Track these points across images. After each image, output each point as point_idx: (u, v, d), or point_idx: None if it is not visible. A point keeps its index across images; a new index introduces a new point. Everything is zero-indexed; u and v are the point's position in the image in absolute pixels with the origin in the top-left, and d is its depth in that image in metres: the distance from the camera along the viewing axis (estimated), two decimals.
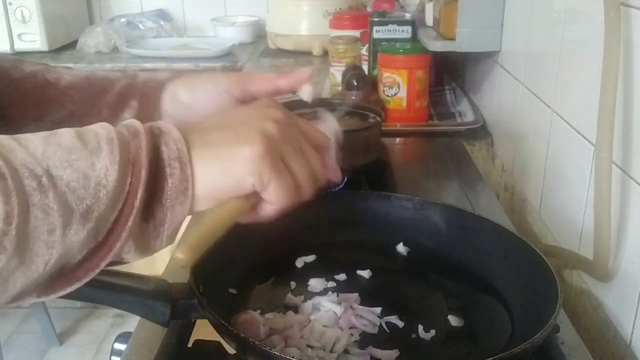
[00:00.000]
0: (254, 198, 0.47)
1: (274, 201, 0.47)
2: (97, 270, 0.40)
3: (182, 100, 0.63)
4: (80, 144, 0.38)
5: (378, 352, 0.56)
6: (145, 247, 0.42)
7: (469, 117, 1.35)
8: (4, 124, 0.63)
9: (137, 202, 0.40)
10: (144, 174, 0.40)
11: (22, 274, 0.36)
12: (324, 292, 0.65)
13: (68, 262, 0.38)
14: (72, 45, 2.45)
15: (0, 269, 0.34)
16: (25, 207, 0.34)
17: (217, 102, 0.61)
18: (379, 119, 1.01)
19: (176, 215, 0.43)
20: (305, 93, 0.63)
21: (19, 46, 2.30)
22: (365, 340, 0.58)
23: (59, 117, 0.63)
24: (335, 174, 0.53)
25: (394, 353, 0.56)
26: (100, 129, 0.41)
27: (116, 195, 0.39)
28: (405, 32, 1.40)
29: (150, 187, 0.41)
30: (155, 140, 0.42)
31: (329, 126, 0.58)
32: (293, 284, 0.66)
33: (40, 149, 0.37)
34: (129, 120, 0.44)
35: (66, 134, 0.39)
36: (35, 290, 0.38)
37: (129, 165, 0.40)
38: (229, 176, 0.44)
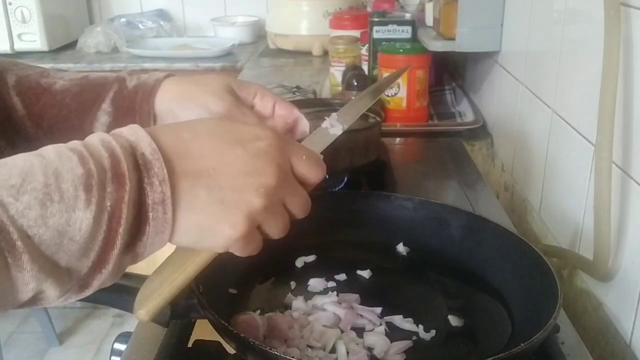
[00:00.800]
0: None
1: (239, 254, 0.48)
2: (75, 299, 0.41)
3: (189, 97, 0.64)
4: (56, 195, 0.37)
5: (378, 352, 0.56)
6: (120, 273, 0.43)
7: (469, 117, 1.35)
8: (6, 128, 0.63)
9: (116, 250, 0.39)
10: (122, 228, 0.39)
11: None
12: (324, 292, 0.65)
13: (44, 296, 0.39)
14: (72, 45, 2.45)
15: None
16: (4, 266, 0.35)
17: (221, 101, 0.63)
18: (379, 119, 1.01)
19: (155, 247, 0.43)
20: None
21: (19, 46, 2.30)
22: (365, 340, 0.58)
23: (55, 121, 0.63)
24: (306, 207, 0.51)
25: (395, 353, 0.56)
26: (79, 166, 0.38)
27: (90, 247, 0.39)
28: (405, 32, 1.40)
29: (131, 230, 0.40)
30: (139, 179, 0.41)
31: (329, 132, 0.59)
32: (293, 284, 0.66)
33: (14, 205, 0.36)
34: (111, 146, 0.41)
35: (42, 179, 0.37)
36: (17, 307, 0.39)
37: (105, 216, 0.39)
38: (204, 244, 0.45)
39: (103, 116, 0.63)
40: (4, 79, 0.65)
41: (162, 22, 2.57)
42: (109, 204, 0.39)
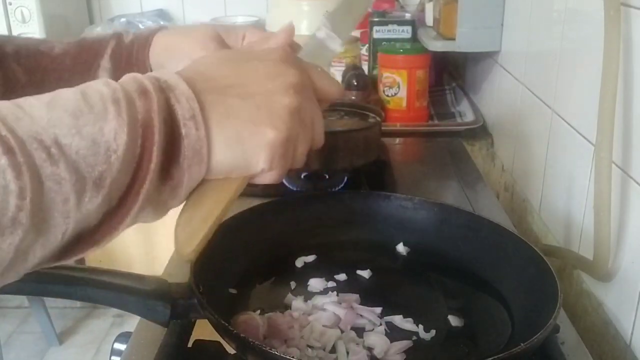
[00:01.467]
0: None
1: (269, 179, 0.46)
2: (116, 234, 0.39)
3: (174, 49, 0.63)
4: (86, 108, 0.37)
5: (378, 352, 0.56)
6: (163, 208, 0.41)
7: (469, 117, 1.35)
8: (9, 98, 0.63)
9: (153, 165, 0.38)
10: (157, 136, 0.38)
11: (41, 245, 0.35)
12: (324, 292, 0.65)
13: (85, 228, 0.37)
14: None
15: (18, 243, 0.33)
16: (38, 180, 0.33)
17: (207, 51, 0.61)
18: (379, 119, 1.01)
19: (193, 175, 0.42)
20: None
21: None
22: (365, 340, 0.58)
23: (57, 85, 0.63)
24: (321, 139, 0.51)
25: (395, 353, 0.56)
26: (104, 88, 0.39)
27: (128, 159, 0.38)
28: (405, 32, 1.40)
29: (166, 148, 0.39)
30: (166, 97, 0.40)
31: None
32: (293, 284, 0.66)
33: (45, 116, 0.35)
34: (132, 76, 0.41)
35: (70, 96, 0.37)
36: (54, 256, 0.37)
37: (139, 128, 0.38)
38: (245, 157, 0.44)
39: (103, 73, 0.63)
40: (2, 50, 0.64)
41: (162, 22, 2.56)
42: (139, 115, 0.38)
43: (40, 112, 0.35)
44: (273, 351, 0.48)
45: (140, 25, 2.52)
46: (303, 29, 2.16)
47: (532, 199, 1.01)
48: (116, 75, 0.62)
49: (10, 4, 2.25)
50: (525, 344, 0.49)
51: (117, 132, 0.37)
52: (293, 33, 0.57)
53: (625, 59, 0.65)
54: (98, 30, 2.37)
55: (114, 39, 0.65)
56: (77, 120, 0.36)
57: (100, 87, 0.39)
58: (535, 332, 0.50)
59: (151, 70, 0.63)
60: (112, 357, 0.65)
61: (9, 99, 0.62)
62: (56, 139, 0.35)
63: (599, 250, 0.68)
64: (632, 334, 0.66)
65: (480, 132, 1.29)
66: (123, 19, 2.53)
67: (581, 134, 0.79)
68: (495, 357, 0.48)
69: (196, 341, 0.59)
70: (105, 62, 0.63)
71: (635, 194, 0.65)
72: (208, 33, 0.62)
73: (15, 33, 2.28)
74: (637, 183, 0.64)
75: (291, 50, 0.51)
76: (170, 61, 0.62)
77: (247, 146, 0.43)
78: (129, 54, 0.63)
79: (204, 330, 0.58)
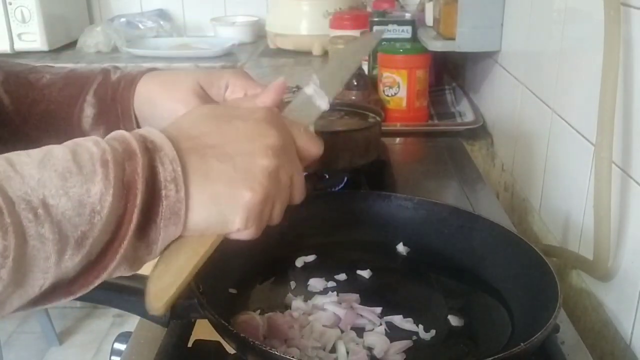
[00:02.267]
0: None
1: (245, 236, 0.48)
2: (91, 287, 0.41)
3: (155, 103, 0.63)
4: (75, 168, 0.38)
5: (378, 352, 0.56)
6: (137, 263, 0.43)
7: (469, 117, 1.35)
8: None
9: (132, 226, 0.40)
10: (139, 199, 0.40)
11: (18, 296, 0.37)
12: (324, 292, 0.65)
13: (63, 281, 0.39)
14: (72, 45, 2.45)
15: None
16: (22, 240, 0.35)
17: (189, 106, 0.60)
18: (378, 118, 1.01)
19: (169, 234, 0.43)
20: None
21: (19, 46, 2.30)
22: (365, 340, 0.58)
23: (42, 116, 0.63)
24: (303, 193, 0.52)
25: (395, 353, 0.56)
26: (94, 147, 0.40)
27: (110, 220, 0.39)
28: (405, 32, 1.40)
29: (145, 208, 0.41)
30: (150, 158, 0.42)
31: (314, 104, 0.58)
32: (293, 284, 0.66)
33: (35, 176, 0.37)
34: (121, 134, 0.43)
35: (60, 156, 0.39)
36: (29, 304, 0.39)
37: (124, 190, 0.40)
38: (221, 217, 0.45)
39: (88, 108, 0.63)
40: None
41: (162, 22, 2.57)
42: (125, 178, 0.40)
43: (31, 171, 0.37)
44: (273, 351, 0.48)
45: (140, 25, 2.52)
46: (303, 29, 2.16)
47: (532, 199, 1.01)
48: (101, 110, 0.63)
49: (10, 4, 2.25)
50: (525, 344, 0.49)
51: (102, 194, 0.38)
52: (283, 92, 0.57)
53: (625, 59, 0.65)
54: (98, 30, 2.38)
55: (101, 74, 0.65)
56: (66, 182, 0.37)
57: (90, 146, 0.40)
58: (535, 332, 0.50)
59: (135, 115, 0.63)
60: (112, 357, 0.65)
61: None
62: (44, 200, 0.36)
63: (599, 250, 0.68)
64: (632, 333, 0.66)
65: (480, 132, 1.29)
66: (123, 19, 2.53)
67: (581, 134, 0.79)
68: (495, 357, 0.48)
69: (196, 341, 0.59)
70: (91, 97, 0.63)
71: (635, 194, 0.65)
72: (190, 87, 0.62)
73: (15, 33, 2.28)
74: (637, 183, 0.64)
75: (276, 110, 0.51)
76: (152, 114, 0.62)
77: (223, 207, 0.45)
78: (114, 91, 0.63)
79: (204, 330, 0.58)
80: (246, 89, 0.63)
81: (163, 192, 0.41)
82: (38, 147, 0.62)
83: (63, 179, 0.37)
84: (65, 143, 0.40)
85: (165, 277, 0.45)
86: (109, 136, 0.43)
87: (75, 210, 0.37)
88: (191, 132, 0.46)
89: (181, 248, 0.46)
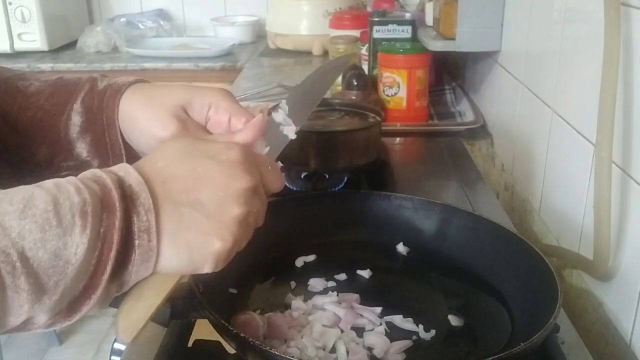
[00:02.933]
0: None
1: (214, 269, 0.48)
2: (65, 324, 0.43)
3: (134, 123, 0.62)
4: (55, 220, 0.39)
5: (378, 352, 0.56)
6: (107, 301, 0.44)
7: (469, 117, 1.35)
8: None
9: (106, 276, 0.42)
10: (113, 253, 0.41)
11: None
12: (324, 292, 0.65)
13: (34, 321, 0.41)
14: (72, 45, 2.45)
15: None
16: (1, 288, 0.37)
17: (166, 127, 0.61)
18: (378, 118, 1.01)
19: (140, 275, 0.45)
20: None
21: (19, 46, 2.30)
22: (365, 340, 0.58)
23: (30, 123, 0.63)
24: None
25: (395, 353, 0.56)
26: (75, 197, 0.41)
27: (83, 270, 0.41)
28: (405, 31, 1.40)
29: (118, 257, 0.42)
30: (127, 208, 0.43)
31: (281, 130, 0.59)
32: (293, 284, 0.66)
33: (16, 228, 0.38)
34: (101, 178, 0.43)
35: (42, 206, 0.39)
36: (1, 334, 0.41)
37: (99, 242, 0.41)
38: (191, 263, 0.46)
39: (75, 116, 0.63)
40: None
41: (162, 22, 2.57)
42: (102, 230, 0.41)
43: (12, 222, 0.38)
44: (273, 351, 0.48)
45: (140, 25, 2.52)
46: (303, 29, 2.16)
47: (532, 199, 1.01)
48: (87, 119, 0.63)
49: (10, 3, 2.25)
50: (525, 344, 0.49)
51: (78, 247, 0.40)
52: (263, 130, 0.56)
53: (625, 59, 0.65)
54: (98, 30, 2.38)
55: (88, 83, 0.65)
56: (45, 234, 0.39)
57: (72, 194, 0.41)
58: (535, 332, 0.50)
59: (119, 127, 0.63)
60: (112, 357, 0.65)
61: None
62: (22, 252, 0.38)
63: (599, 250, 0.68)
64: (632, 333, 0.66)
65: (480, 132, 1.29)
66: (123, 19, 2.53)
67: (581, 134, 0.79)
68: (495, 357, 0.48)
69: (196, 341, 0.59)
70: (78, 106, 0.63)
71: (635, 194, 0.65)
72: (169, 108, 0.61)
73: (15, 33, 2.28)
74: (637, 183, 0.64)
75: (249, 149, 0.52)
76: (132, 129, 0.62)
77: (194, 254, 0.46)
78: (100, 101, 0.63)
79: (203, 330, 0.58)
80: (230, 112, 0.61)
81: (136, 242, 0.43)
82: (25, 155, 0.62)
83: (42, 230, 0.39)
84: (48, 185, 0.41)
85: (134, 314, 0.46)
86: (89, 176, 0.44)
87: (50, 261, 0.39)
88: (165, 173, 0.46)
89: (149, 285, 0.47)
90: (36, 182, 0.42)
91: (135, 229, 0.43)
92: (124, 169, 0.45)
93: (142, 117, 0.62)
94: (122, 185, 0.44)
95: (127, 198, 0.43)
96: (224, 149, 0.49)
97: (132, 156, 0.63)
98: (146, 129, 0.61)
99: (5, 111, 0.63)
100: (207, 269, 0.47)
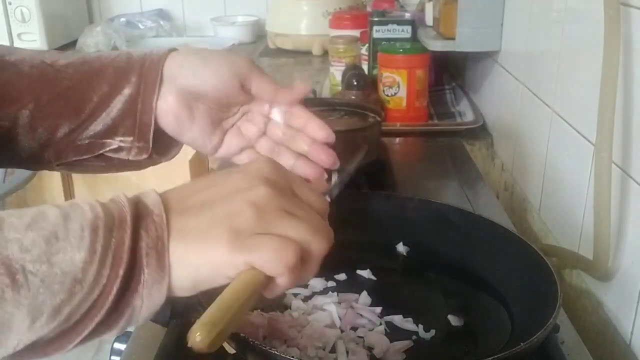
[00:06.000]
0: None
1: (273, 272, 0.42)
2: (66, 350, 0.40)
3: (193, 68, 0.60)
4: (62, 233, 0.37)
5: (378, 352, 0.56)
6: (123, 328, 0.41)
7: (469, 116, 1.35)
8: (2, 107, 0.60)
9: (112, 297, 0.39)
10: (121, 271, 0.39)
11: None
12: (324, 292, 0.65)
13: (37, 343, 0.38)
14: (71, 44, 2.45)
15: None
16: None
17: (224, 82, 0.59)
18: (378, 118, 1.01)
19: (154, 299, 0.41)
20: (278, 115, 0.61)
21: (19, 46, 2.30)
22: (365, 340, 0.58)
23: (56, 94, 0.60)
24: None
25: (395, 353, 0.56)
26: (88, 212, 0.39)
27: (91, 289, 0.38)
28: (405, 31, 1.40)
29: (126, 278, 0.39)
30: (137, 225, 0.40)
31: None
32: None
33: (21, 239, 0.36)
34: (118, 197, 0.41)
35: (51, 219, 0.38)
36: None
37: (108, 259, 0.39)
38: (207, 267, 0.42)
39: (106, 85, 0.60)
40: (5, 60, 0.61)
41: (162, 22, 2.57)
42: (112, 247, 0.39)
43: (16, 235, 0.36)
44: (273, 351, 0.48)
45: (140, 25, 2.52)
46: (303, 29, 2.16)
47: (532, 199, 1.01)
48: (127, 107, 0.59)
49: (10, 3, 2.25)
50: (525, 344, 0.49)
51: (86, 263, 0.37)
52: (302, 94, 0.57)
53: (625, 59, 0.65)
54: (98, 30, 2.38)
55: (122, 54, 0.63)
56: (51, 247, 0.37)
57: (85, 210, 0.39)
58: (535, 332, 0.50)
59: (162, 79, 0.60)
60: (112, 357, 0.65)
61: (6, 113, 0.59)
62: (24, 266, 0.36)
63: (599, 250, 0.68)
64: (632, 333, 0.66)
65: (480, 132, 1.29)
66: (123, 19, 2.53)
67: (581, 134, 0.79)
68: (495, 357, 0.48)
69: None
70: (111, 74, 0.60)
71: (635, 194, 0.65)
72: (232, 74, 0.60)
73: (15, 33, 2.28)
74: (637, 183, 0.64)
75: (281, 167, 0.47)
76: (188, 78, 0.60)
77: (201, 258, 0.42)
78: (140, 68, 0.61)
79: None
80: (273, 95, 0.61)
81: (144, 261, 0.40)
82: (52, 131, 0.58)
83: (48, 243, 0.37)
84: (62, 204, 0.39)
85: (220, 325, 0.41)
86: (109, 199, 0.42)
87: (56, 277, 0.36)
88: (188, 192, 0.44)
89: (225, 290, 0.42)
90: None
91: (143, 245, 0.40)
92: (145, 192, 0.43)
93: (218, 56, 0.61)
94: (137, 203, 0.41)
95: (140, 211, 0.41)
96: (249, 164, 0.46)
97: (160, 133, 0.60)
98: (227, 61, 0.59)
99: (34, 83, 0.59)
100: (229, 272, 0.42)
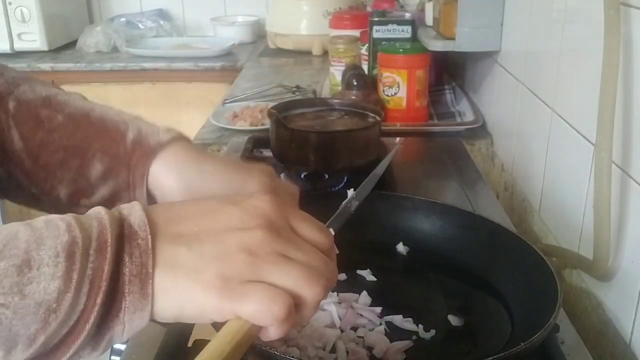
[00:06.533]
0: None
1: (262, 323, 0.40)
2: None
3: (170, 194, 0.56)
4: (36, 262, 0.35)
5: (378, 352, 0.56)
6: (105, 348, 0.40)
7: (469, 116, 1.35)
8: (3, 159, 0.58)
9: (89, 325, 0.37)
10: (99, 299, 0.37)
11: None
12: None
13: None
14: (71, 44, 2.45)
15: None
16: None
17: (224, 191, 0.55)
18: (378, 118, 1.01)
19: (135, 324, 0.39)
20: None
21: (19, 46, 2.30)
22: (365, 340, 0.58)
23: (51, 160, 0.58)
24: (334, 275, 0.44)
25: (395, 352, 0.56)
26: (65, 233, 0.37)
27: (67, 317, 0.36)
28: (405, 31, 1.40)
29: (106, 304, 0.38)
30: (120, 249, 0.38)
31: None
32: None
33: None
34: (99, 214, 0.39)
35: (23, 246, 0.36)
36: None
37: (84, 287, 0.36)
38: (193, 308, 0.40)
39: (97, 164, 0.58)
40: (5, 106, 0.60)
41: (162, 22, 2.57)
42: (89, 273, 0.37)
43: None
44: (273, 351, 0.48)
45: (140, 25, 2.52)
46: (303, 29, 2.16)
47: (532, 199, 1.01)
48: (110, 167, 0.57)
49: (10, 3, 2.25)
50: (525, 344, 0.49)
51: (60, 292, 0.36)
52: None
53: (625, 59, 0.65)
54: (97, 30, 2.38)
55: (115, 128, 0.59)
56: (23, 277, 0.35)
57: (61, 231, 0.37)
58: (535, 332, 0.50)
59: (146, 187, 0.57)
60: (112, 357, 0.65)
61: (2, 158, 0.58)
62: None
63: (599, 250, 0.68)
64: (632, 333, 0.66)
65: (480, 131, 1.29)
66: (123, 19, 2.53)
67: (581, 134, 0.79)
68: (495, 357, 0.48)
69: (196, 341, 0.59)
70: (100, 155, 0.58)
71: (635, 194, 0.65)
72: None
73: (15, 33, 2.28)
74: (637, 183, 0.64)
75: (280, 199, 0.45)
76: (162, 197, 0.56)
77: (185, 298, 0.40)
78: (127, 156, 0.57)
79: (203, 330, 0.58)
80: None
81: (127, 288, 0.38)
82: (46, 188, 0.57)
83: (20, 273, 0.35)
84: (37, 223, 0.37)
85: None
86: (92, 214, 0.40)
87: (29, 308, 0.35)
88: (179, 213, 0.42)
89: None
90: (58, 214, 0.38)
91: (126, 272, 0.38)
92: (130, 207, 0.41)
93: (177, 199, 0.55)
94: (122, 224, 0.39)
95: (123, 237, 0.39)
96: (250, 196, 0.44)
97: None
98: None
99: (27, 142, 0.58)
100: (211, 315, 0.40)
